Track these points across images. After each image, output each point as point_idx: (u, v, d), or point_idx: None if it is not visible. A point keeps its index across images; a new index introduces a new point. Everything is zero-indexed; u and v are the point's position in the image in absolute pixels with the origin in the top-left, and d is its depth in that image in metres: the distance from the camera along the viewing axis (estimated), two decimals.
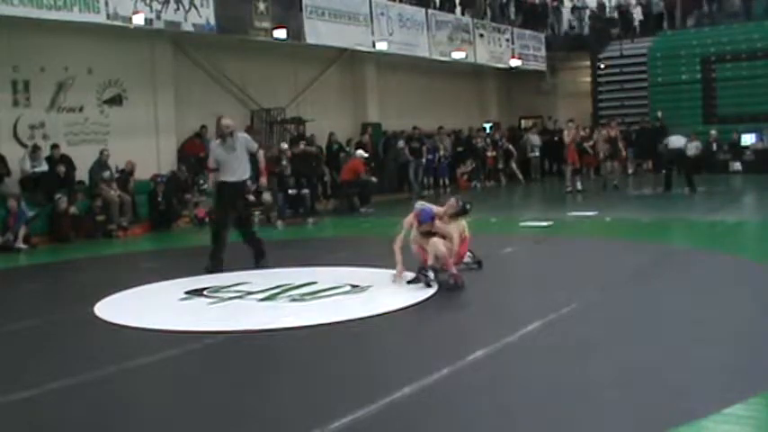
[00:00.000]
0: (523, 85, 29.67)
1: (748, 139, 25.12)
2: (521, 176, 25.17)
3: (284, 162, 17.74)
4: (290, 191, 17.41)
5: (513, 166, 25.22)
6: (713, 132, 25.15)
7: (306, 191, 17.75)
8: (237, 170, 10.03)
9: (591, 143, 21.64)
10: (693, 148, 22.21)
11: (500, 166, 24.98)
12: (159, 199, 16.24)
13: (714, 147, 25.09)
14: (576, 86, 30.15)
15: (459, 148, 24.38)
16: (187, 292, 8.69)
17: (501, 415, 4.63)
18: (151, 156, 17.74)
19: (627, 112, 27.50)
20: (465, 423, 4.51)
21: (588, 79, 29.54)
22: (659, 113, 25.51)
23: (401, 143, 22.52)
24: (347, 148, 21.07)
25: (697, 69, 27.11)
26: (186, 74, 18.60)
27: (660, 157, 21.11)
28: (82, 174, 16.04)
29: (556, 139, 24.51)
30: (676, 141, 19.72)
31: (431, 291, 8.02)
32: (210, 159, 10.19)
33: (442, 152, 23.41)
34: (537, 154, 25.89)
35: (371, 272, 9.42)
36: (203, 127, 18.68)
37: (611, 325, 6.68)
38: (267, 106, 20.30)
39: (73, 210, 14.87)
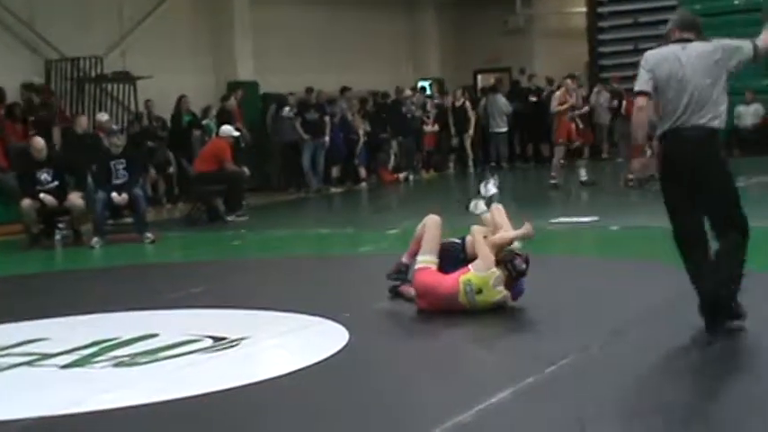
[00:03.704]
0: (481, 20, 23.53)
1: None
2: (472, 160, 19.71)
3: (111, 142, 13.70)
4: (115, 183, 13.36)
5: (467, 142, 19.59)
6: None
7: (139, 191, 13.46)
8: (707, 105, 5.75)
9: (585, 110, 16.55)
10: (751, 114, 18.02)
11: (453, 143, 19.66)
12: None
13: None
14: (564, 21, 24.30)
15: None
16: None
17: None
18: None
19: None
20: None
21: (583, 9, 22.84)
22: None
23: (288, 111, 17.48)
24: (205, 122, 16.46)
25: None
26: None
27: None
28: None
29: (534, 100, 19.51)
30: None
31: (342, 341, 6.47)
32: (644, 81, 5.80)
33: (361, 131, 18.03)
34: (503, 129, 19.96)
35: (246, 315, 7.66)
36: None
37: None
38: (73, 54, 16.43)
39: None
